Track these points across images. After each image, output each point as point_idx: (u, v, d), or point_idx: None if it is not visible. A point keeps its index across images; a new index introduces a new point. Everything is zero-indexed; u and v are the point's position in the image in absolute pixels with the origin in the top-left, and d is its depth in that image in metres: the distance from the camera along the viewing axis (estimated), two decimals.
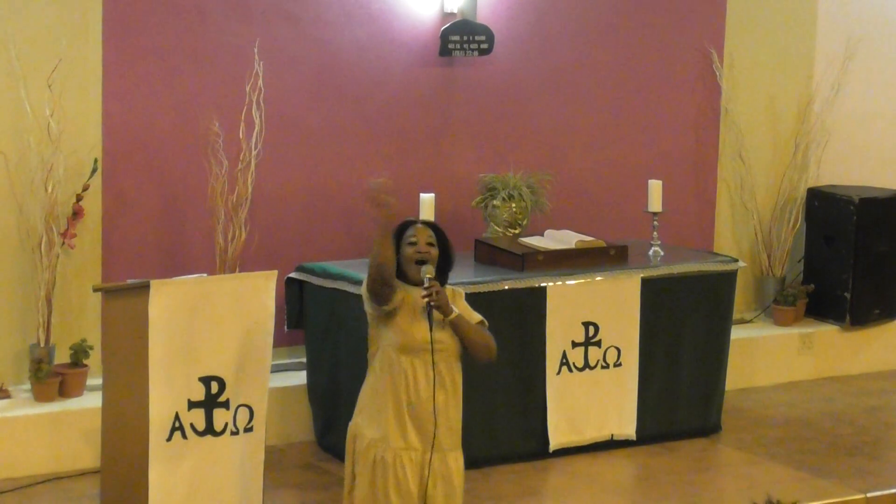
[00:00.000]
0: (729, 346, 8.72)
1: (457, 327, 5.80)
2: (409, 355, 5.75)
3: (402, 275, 5.82)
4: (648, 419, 8.40)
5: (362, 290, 5.81)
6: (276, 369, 8.11)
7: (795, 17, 10.23)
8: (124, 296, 6.62)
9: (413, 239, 5.81)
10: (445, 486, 5.85)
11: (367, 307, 5.81)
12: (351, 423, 5.90)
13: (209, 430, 6.73)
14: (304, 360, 8.37)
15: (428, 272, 5.74)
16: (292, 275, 8.21)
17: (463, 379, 7.90)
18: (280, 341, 7.99)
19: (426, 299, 5.69)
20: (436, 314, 5.74)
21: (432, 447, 5.78)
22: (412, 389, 5.77)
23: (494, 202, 8.69)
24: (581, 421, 8.20)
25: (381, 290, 5.69)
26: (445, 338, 5.81)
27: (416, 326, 5.77)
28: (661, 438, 8.45)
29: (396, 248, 5.81)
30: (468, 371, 7.76)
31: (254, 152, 8.22)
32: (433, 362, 5.77)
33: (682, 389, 8.52)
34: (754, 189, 10.09)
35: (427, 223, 5.92)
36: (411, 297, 5.79)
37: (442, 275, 5.88)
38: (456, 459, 5.91)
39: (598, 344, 8.23)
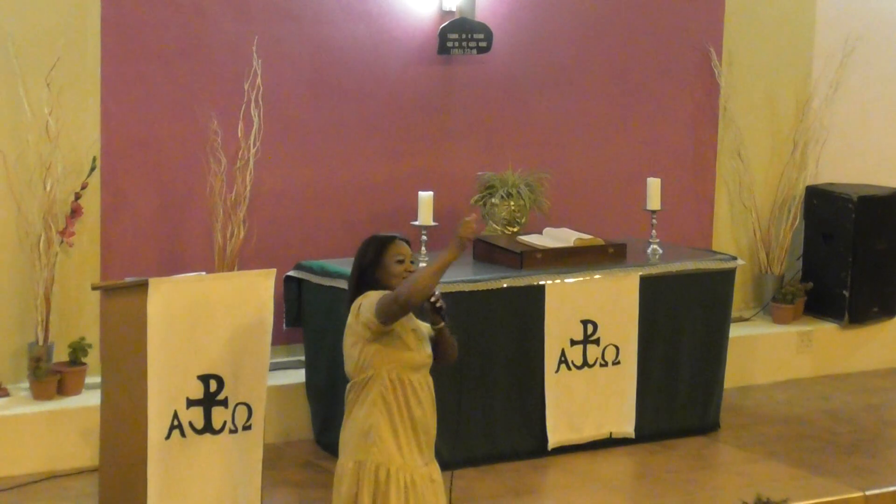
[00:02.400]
0: (727, 344, 8.72)
1: (444, 334, 5.85)
2: (418, 373, 5.79)
3: (386, 290, 5.81)
4: (647, 417, 8.40)
5: (369, 309, 5.69)
6: (275, 367, 8.12)
7: (794, 15, 10.23)
8: (123, 294, 6.62)
9: (401, 257, 5.83)
10: (439, 496, 5.87)
11: (375, 327, 5.68)
12: (361, 459, 5.75)
13: (208, 428, 6.73)
14: (302, 358, 8.37)
15: None
16: (291, 273, 8.20)
17: (462, 377, 7.94)
18: (278, 339, 7.99)
19: (438, 304, 5.73)
20: (424, 325, 5.81)
21: (447, 460, 5.85)
22: (423, 405, 5.79)
23: (493, 200, 8.69)
24: (580, 419, 8.20)
25: (403, 312, 5.69)
26: (431, 352, 5.88)
27: (420, 343, 5.82)
28: (660, 436, 8.45)
29: (378, 262, 5.83)
30: (467, 369, 7.79)
31: (252, 150, 8.22)
32: (456, 369, 5.88)
33: (681, 387, 8.52)
34: (753, 187, 10.08)
35: (405, 239, 5.94)
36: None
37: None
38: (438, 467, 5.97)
39: (597, 342, 8.23)
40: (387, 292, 5.69)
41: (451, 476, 5.91)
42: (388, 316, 5.65)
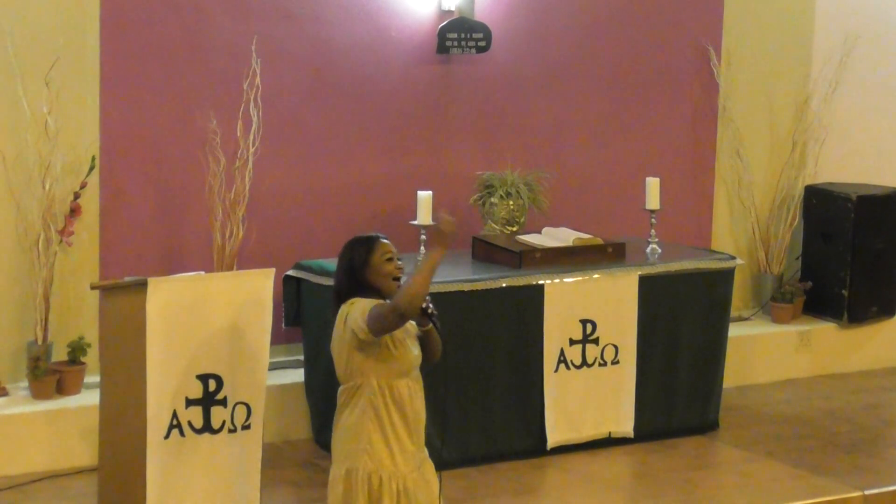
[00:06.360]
0: (727, 344, 8.72)
1: (431, 335, 5.77)
2: (406, 378, 5.71)
3: (373, 292, 5.71)
4: (646, 417, 8.40)
5: (360, 318, 5.55)
6: (274, 367, 8.12)
7: (793, 14, 10.23)
8: (122, 293, 6.62)
9: (389, 255, 5.73)
10: (431, 493, 5.84)
11: (365, 336, 5.54)
12: (351, 467, 5.68)
13: (207, 427, 6.73)
14: (301, 357, 8.37)
15: None
16: (290, 272, 8.20)
17: (461, 376, 7.90)
18: (278, 339, 7.99)
19: (430, 311, 5.62)
20: (414, 326, 5.75)
21: (438, 457, 5.83)
22: (415, 408, 5.77)
23: (492, 200, 8.69)
24: (579, 419, 8.20)
25: (401, 323, 5.56)
26: (419, 352, 5.80)
27: (407, 346, 5.71)
28: (659, 436, 8.45)
29: (368, 263, 5.77)
30: (466, 369, 7.80)
31: (251, 150, 8.22)
32: (442, 375, 5.87)
33: (680, 387, 8.52)
34: (752, 186, 10.09)
35: (385, 238, 5.90)
36: None
37: None
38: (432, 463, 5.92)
39: (596, 341, 8.23)
40: (378, 302, 5.57)
41: (440, 477, 5.88)
42: (383, 328, 5.51)
